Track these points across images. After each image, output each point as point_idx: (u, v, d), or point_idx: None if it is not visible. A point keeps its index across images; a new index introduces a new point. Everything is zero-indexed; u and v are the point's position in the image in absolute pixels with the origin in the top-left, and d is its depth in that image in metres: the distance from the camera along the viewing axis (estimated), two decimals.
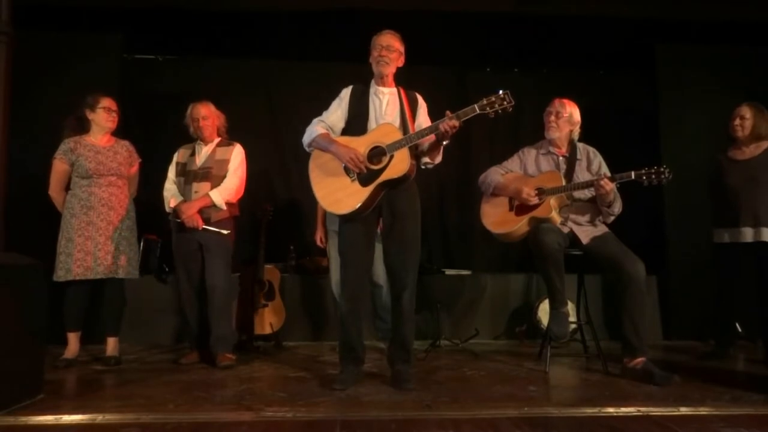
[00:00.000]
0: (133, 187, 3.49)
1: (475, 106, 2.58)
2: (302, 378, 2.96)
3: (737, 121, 3.45)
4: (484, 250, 4.85)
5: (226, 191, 3.34)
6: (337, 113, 2.87)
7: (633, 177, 2.94)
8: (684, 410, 2.28)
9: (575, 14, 4.41)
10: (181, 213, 3.26)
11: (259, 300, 3.87)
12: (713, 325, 3.71)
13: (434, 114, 2.87)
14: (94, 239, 3.21)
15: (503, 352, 3.76)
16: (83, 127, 3.35)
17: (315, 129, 2.85)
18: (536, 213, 3.13)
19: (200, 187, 3.32)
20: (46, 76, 4.09)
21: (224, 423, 2.13)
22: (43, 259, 2.65)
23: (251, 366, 3.27)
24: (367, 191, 2.68)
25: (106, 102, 3.34)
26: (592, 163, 3.25)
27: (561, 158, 3.27)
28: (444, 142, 2.71)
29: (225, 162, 3.39)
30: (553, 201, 3.12)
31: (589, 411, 2.28)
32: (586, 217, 3.18)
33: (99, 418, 2.18)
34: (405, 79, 2.94)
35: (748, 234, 3.36)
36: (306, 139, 2.87)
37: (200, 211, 3.28)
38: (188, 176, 3.37)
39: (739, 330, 3.80)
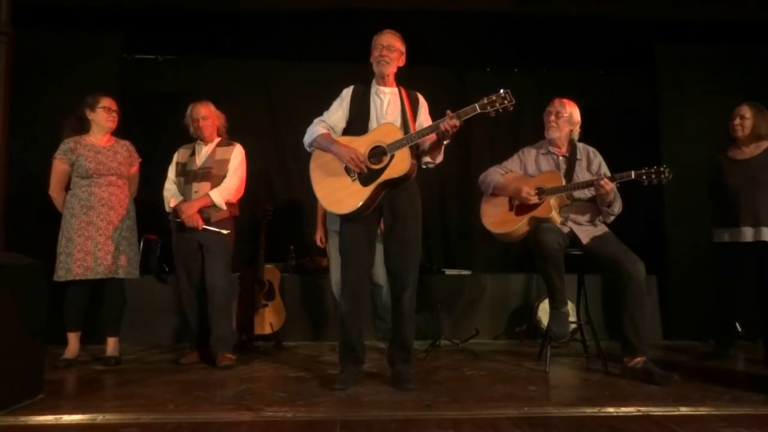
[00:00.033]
0: (134, 186, 3.49)
1: (476, 105, 2.58)
2: (302, 378, 2.96)
3: (737, 121, 3.46)
4: (484, 250, 4.85)
5: (226, 191, 3.34)
6: (338, 113, 2.87)
7: (633, 177, 2.94)
8: (684, 410, 2.28)
9: (575, 14, 4.41)
10: (181, 213, 3.26)
11: (259, 300, 3.88)
12: (713, 325, 3.71)
13: (435, 114, 2.87)
14: (94, 239, 3.21)
15: (503, 352, 3.76)
16: (83, 127, 3.35)
17: (316, 129, 2.85)
18: (536, 213, 3.13)
19: (200, 187, 3.32)
20: (46, 76, 4.09)
21: (224, 423, 2.13)
22: (43, 259, 2.65)
23: (251, 366, 3.27)
24: (367, 191, 2.68)
25: (106, 102, 3.34)
26: (592, 162, 3.25)
27: (561, 158, 3.27)
28: (445, 142, 2.70)
29: (225, 162, 3.39)
30: (553, 201, 3.12)
31: (589, 411, 2.28)
32: (586, 217, 3.18)
33: (99, 418, 2.18)
34: (405, 79, 2.94)
35: (748, 234, 3.36)
36: (307, 139, 2.87)
37: (200, 211, 3.28)
38: (188, 176, 3.37)
39: (739, 330, 3.80)
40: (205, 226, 3.28)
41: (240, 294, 3.88)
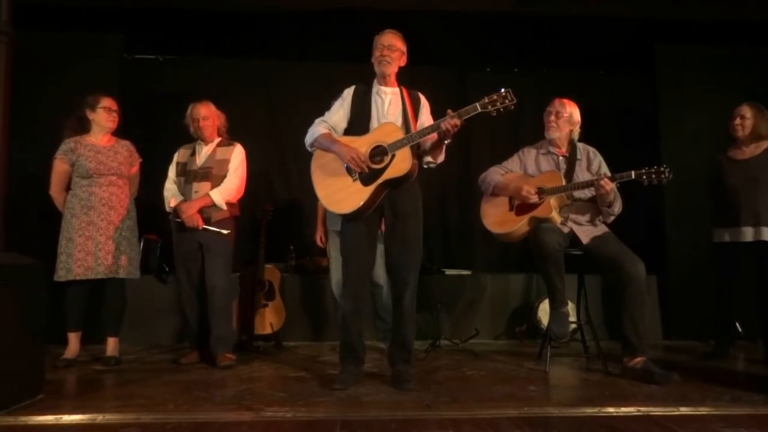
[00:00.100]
0: (134, 186, 3.49)
1: (477, 104, 2.57)
2: (302, 378, 2.96)
3: (737, 121, 3.46)
4: (484, 250, 4.85)
5: (227, 191, 3.34)
6: (339, 113, 2.87)
7: (633, 177, 2.94)
8: (684, 410, 2.28)
9: (575, 14, 4.41)
10: (182, 213, 3.26)
11: (259, 300, 3.88)
12: (713, 325, 3.71)
13: (435, 114, 2.87)
14: (94, 239, 3.21)
15: (503, 352, 3.76)
16: (84, 127, 3.35)
17: (317, 129, 2.85)
18: (536, 213, 3.13)
19: (200, 187, 3.32)
20: (46, 76, 4.09)
21: (224, 423, 2.13)
22: (43, 259, 2.65)
23: (251, 366, 3.27)
24: (368, 191, 2.68)
25: (107, 102, 3.34)
26: (592, 162, 3.25)
27: (561, 158, 3.27)
28: (446, 141, 2.70)
29: (225, 162, 3.39)
30: (553, 201, 3.12)
31: (589, 411, 2.28)
32: (586, 217, 3.18)
33: (99, 418, 2.18)
34: (405, 79, 2.94)
35: (748, 233, 3.36)
36: (308, 139, 2.87)
37: (200, 211, 3.28)
38: (188, 176, 3.37)
39: (739, 330, 3.80)
40: (205, 226, 3.28)
41: (240, 294, 3.87)
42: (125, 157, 3.38)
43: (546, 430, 2.06)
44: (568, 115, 3.27)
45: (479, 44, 4.71)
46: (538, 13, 4.40)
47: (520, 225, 3.16)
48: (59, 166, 3.27)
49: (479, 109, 2.57)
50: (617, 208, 3.11)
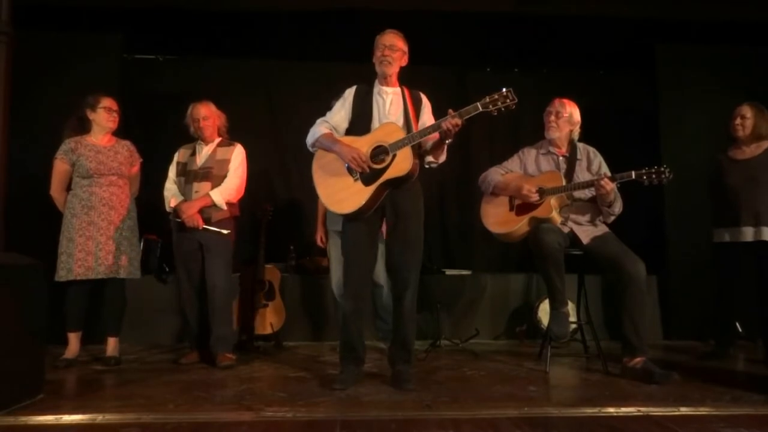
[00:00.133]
0: (135, 186, 3.49)
1: (478, 104, 2.57)
2: (302, 378, 2.96)
3: (738, 121, 3.46)
4: (484, 250, 4.85)
5: (227, 191, 3.34)
6: (340, 113, 2.87)
7: (633, 177, 2.94)
8: (684, 410, 2.28)
9: (575, 14, 4.41)
10: (182, 213, 3.26)
11: (260, 300, 3.88)
12: (713, 325, 3.71)
13: (436, 114, 2.87)
14: (95, 239, 3.21)
15: (503, 352, 3.76)
16: (84, 127, 3.35)
17: (318, 129, 2.85)
18: (536, 213, 3.13)
19: (201, 187, 3.32)
20: (46, 76, 4.09)
21: (224, 423, 2.13)
22: (43, 259, 2.64)
23: (251, 366, 3.27)
24: (369, 190, 2.68)
25: (107, 102, 3.34)
26: (592, 163, 3.25)
27: (561, 158, 3.27)
28: (447, 141, 2.70)
29: (226, 162, 3.39)
30: (553, 201, 3.12)
31: (589, 411, 2.28)
32: (587, 217, 3.18)
33: (99, 418, 2.18)
34: (405, 79, 2.94)
35: (748, 233, 3.36)
36: (309, 139, 2.87)
37: (201, 211, 3.28)
38: (189, 176, 3.37)
39: (739, 330, 3.80)
40: (205, 226, 3.28)
41: (240, 294, 3.88)
42: (126, 157, 3.38)
43: (546, 430, 2.06)
44: (568, 115, 3.27)
45: (479, 44, 4.71)
46: (538, 13, 4.40)
47: (520, 225, 3.16)
48: (60, 166, 3.27)
49: (480, 109, 2.57)
50: (617, 208, 3.11)
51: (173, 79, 4.71)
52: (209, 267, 3.29)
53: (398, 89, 2.87)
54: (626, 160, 3.16)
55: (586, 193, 3.15)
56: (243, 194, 3.46)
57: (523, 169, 3.34)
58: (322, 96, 3.82)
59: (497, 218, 3.29)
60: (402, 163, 2.65)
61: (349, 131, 2.85)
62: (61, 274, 3.16)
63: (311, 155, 2.92)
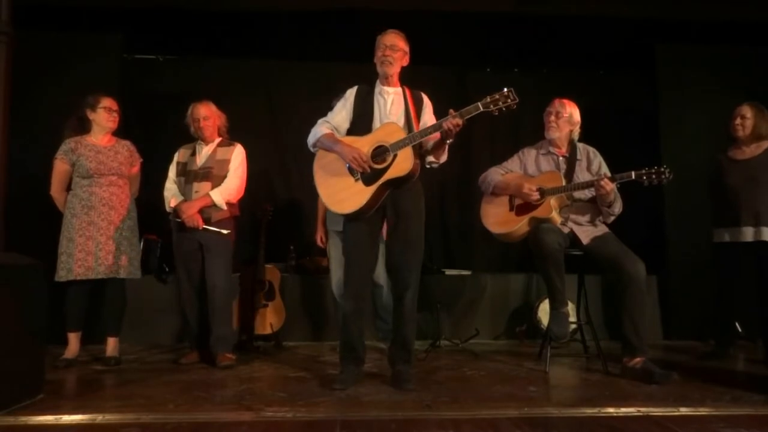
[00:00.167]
0: (135, 186, 3.49)
1: (479, 104, 2.57)
2: (302, 378, 2.96)
3: (738, 121, 3.46)
4: (484, 250, 4.85)
5: (227, 191, 3.34)
6: (341, 114, 2.87)
7: (633, 177, 2.94)
8: (684, 410, 2.28)
9: (575, 14, 4.41)
10: (182, 213, 3.26)
11: (260, 300, 3.87)
12: (713, 325, 3.71)
13: (437, 114, 2.87)
14: (95, 239, 3.21)
15: (503, 352, 3.76)
16: (84, 127, 3.35)
17: (319, 129, 2.85)
18: (536, 213, 3.13)
19: (201, 187, 3.32)
20: (46, 76, 4.09)
21: (224, 423, 2.13)
22: (43, 259, 2.64)
23: (251, 366, 3.27)
24: (370, 190, 2.68)
25: (107, 102, 3.34)
26: (592, 163, 3.25)
27: (561, 158, 3.27)
28: (448, 141, 2.70)
29: (226, 162, 3.39)
30: (553, 201, 3.12)
31: (589, 411, 2.28)
32: (587, 217, 3.18)
33: (99, 418, 2.18)
34: (405, 79, 2.94)
35: (748, 233, 3.36)
36: (311, 139, 2.87)
37: (201, 211, 3.28)
38: (189, 176, 3.37)
39: (739, 330, 3.80)
40: (205, 226, 3.28)
41: (240, 294, 3.88)
42: (126, 157, 3.38)
43: (546, 431, 2.06)
44: (568, 115, 3.27)
45: (479, 44, 4.71)
46: (538, 13, 4.40)
47: (520, 225, 3.16)
48: (60, 166, 3.27)
49: (481, 109, 2.56)
50: (617, 208, 3.11)
51: (173, 79, 4.71)
52: (209, 267, 3.29)
53: (399, 89, 2.87)
54: (626, 160, 3.16)
55: (586, 194, 3.15)
56: (243, 194, 3.46)
57: (523, 169, 3.34)
58: (322, 96, 3.82)
59: (497, 218, 3.29)
60: (403, 163, 2.65)
61: (351, 131, 2.85)
62: (61, 274, 3.16)
63: (311, 155, 2.92)
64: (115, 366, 3.23)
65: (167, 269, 4.01)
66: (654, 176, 2.89)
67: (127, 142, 3.46)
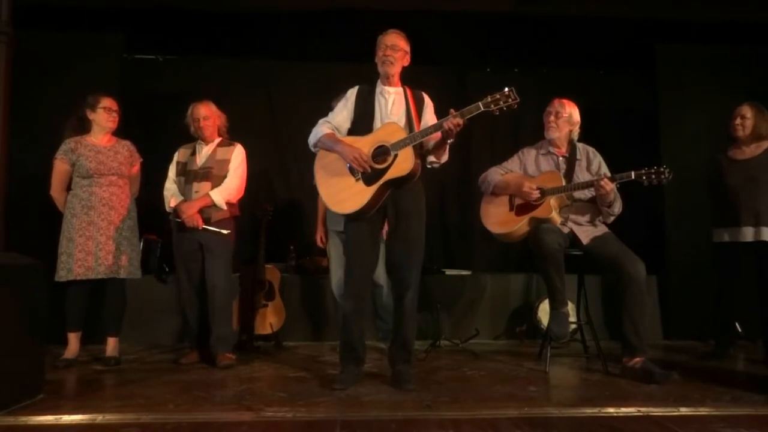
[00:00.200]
0: (135, 186, 3.49)
1: (480, 103, 2.57)
2: (302, 378, 2.96)
3: (738, 121, 3.46)
4: (484, 250, 4.85)
5: (227, 191, 3.34)
6: (342, 114, 2.87)
7: (633, 177, 2.94)
8: (684, 410, 2.28)
9: (575, 14, 4.41)
10: (182, 213, 3.26)
11: (260, 300, 3.87)
12: (713, 325, 3.71)
13: (438, 114, 2.87)
14: (95, 239, 3.21)
15: (503, 352, 3.76)
16: (84, 127, 3.35)
17: (320, 129, 2.85)
18: (536, 213, 3.13)
19: (201, 187, 3.32)
20: (46, 76, 4.09)
21: (224, 423, 2.14)
22: (43, 259, 2.64)
23: (251, 366, 3.27)
24: (371, 190, 2.68)
25: (107, 102, 3.34)
26: (592, 163, 3.25)
27: (561, 158, 3.27)
28: (449, 141, 2.70)
29: (226, 162, 3.39)
30: (553, 201, 3.12)
31: (589, 411, 2.28)
32: (587, 217, 3.18)
33: (99, 418, 2.18)
34: (405, 79, 2.94)
35: (748, 233, 3.36)
36: (312, 139, 2.87)
37: (200, 211, 3.28)
38: (189, 176, 3.37)
39: (739, 330, 3.80)
40: (205, 226, 3.28)
41: (240, 294, 3.88)
42: (126, 157, 3.38)
43: (546, 431, 2.06)
44: (568, 115, 3.27)
45: (479, 44, 4.71)
46: (538, 13, 4.40)
47: (520, 225, 3.16)
48: (60, 166, 3.27)
49: (482, 108, 2.56)
50: (617, 208, 3.11)
51: (173, 79, 4.71)
52: (209, 267, 3.29)
53: (400, 89, 2.87)
54: (626, 160, 3.16)
55: (586, 194, 3.15)
56: (243, 194, 3.46)
57: (523, 169, 3.34)
58: (322, 96, 3.83)
59: (497, 218, 3.29)
60: (403, 163, 2.65)
61: (352, 131, 2.85)
62: (61, 274, 3.16)
63: (311, 155, 2.92)
64: (115, 366, 3.23)
65: (167, 269, 4.01)
66: (654, 176, 2.89)
67: (127, 142, 3.46)
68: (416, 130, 2.72)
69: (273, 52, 4.76)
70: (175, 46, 4.71)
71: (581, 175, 3.20)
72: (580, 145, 3.31)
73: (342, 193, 2.74)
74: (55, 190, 3.29)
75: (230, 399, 2.49)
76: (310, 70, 4.83)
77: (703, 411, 2.28)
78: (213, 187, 3.31)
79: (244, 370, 3.16)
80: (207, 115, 3.40)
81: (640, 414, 2.24)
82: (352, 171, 2.73)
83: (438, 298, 4.10)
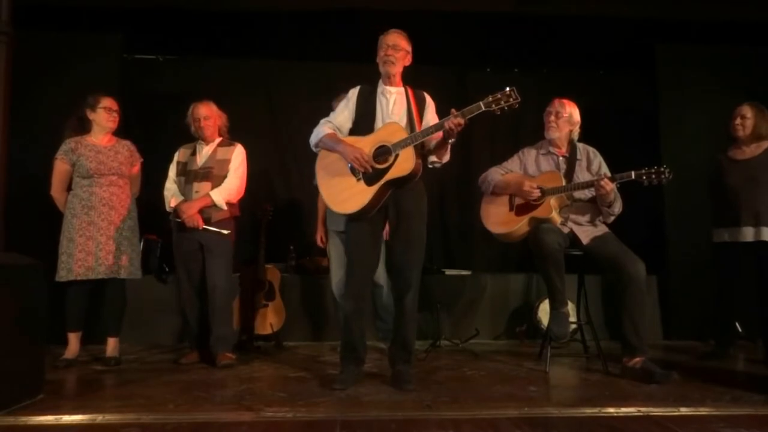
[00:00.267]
0: (136, 186, 3.49)
1: (481, 103, 2.57)
2: (302, 378, 2.96)
3: (738, 121, 3.46)
4: (484, 250, 4.85)
5: (227, 191, 3.34)
6: (344, 114, 2.87)
7: (633, 177, 2.94)
8: (684, 410, 2.28)
9: (575, 14, 4.41)
10: (182, 213, 3.26)
11: (260, 300, 3.87)
12: (713, 325, 3.71)
13: (439, 114, 2.87)
14: (95, 239, 3.21)
15: (503, 352, 3.76)
16: (84, 127, 3.35)
17: (322, 129, 2.85)
18: (536, 213, 3.13)
19: (201, 187, 3.32)
20: (46, 76, 4.09)
21: (224, 423, 2.14)
22: (43, 259, 2.64)
23: (251, 366, 3.27)
24: (372, 190, 2.68)
25: (107, 102, 3.34)
26: (592, 163, 3.25)
27: (561, 158, 3.27)
28: (450, 141, 2.70)
29: (226, 162, 3.39)
30: (553, 201, 3.12)
31: (589, 411, 2.28)
32: (587, 217, 3.18)
33: (99, 418, 2.18)
34: (405, 79, 2.94)
35: (748, 233, 3.36)
36: (313, 139, 2.87)
37: (201, 211, 3.28)
38: (189, 176, 3.37)
39: (739, 330, 3.80)
40: (205, 226, 3.28)
41: (240, 294, 3.88)
42: (126, 156, 3.38)
43: (546, 431, 2.06)
44: (568, 115, 3.27)
45: (479, 44, 4.71)
46: (538, 13, 4.40)
47: (520, 225, 3.16)
48: (60, 167, 3.27)
49: (483, 108, 2.56)
50: (617, 208, 3.11)
51: (173, 79, 4.71)
52: (209, 267, 3.29)
53: (402, 89, 2.87)
54: (626, 160, 3.16)
55: (586, 194, 3.15)
56: (243, 194, 3.46)
57: (523, 169, 3.34)
58: (322, 96, 3.82)
59: (497, 218, 3.29)
60: (404, 163, 2.65)
61: (353, 131, 2.85)
62: (62, 275, 3.16)
63: (311, 155, 2.92)
64: (115, 366, 3.23)
65: (167, 269, 4.01)
66: (654, 176, 2.89)
67: (128, 142, 3.46)
68: (417, 129, 2.72)
69: (273, 52, 4.76)
70: (175, 46, 4.71)
71: (581, 175, 3.20)
72: (580, 145, 3.31)
73: (343, 193, 2.74)
74: (56, 190, 3.29)
75: (230, 399, 2.49)
76: (310, 70, 4.83)
77: (703, 411, 2.28)
78: (213, 187, 3.31)
79: (244, 370, 3.16)
80: (207, 114, 3.40)
81: (640, 414, 2.24)
82: (353, 171, 2.73)
83: (438, 298, 4.10)
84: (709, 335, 3.92)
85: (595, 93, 4.65)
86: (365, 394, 2.56)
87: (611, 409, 2.29)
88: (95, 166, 3.25)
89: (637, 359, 2.88)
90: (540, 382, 2.87)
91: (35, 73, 4.01)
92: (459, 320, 4.28)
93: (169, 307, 4.01)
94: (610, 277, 3.64)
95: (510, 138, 4.79)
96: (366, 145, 2.72)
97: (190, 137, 3.50)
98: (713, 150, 3.68)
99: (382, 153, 2.69)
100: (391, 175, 2.66)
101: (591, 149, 3.31)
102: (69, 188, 3.30)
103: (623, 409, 2.28)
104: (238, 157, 3.42)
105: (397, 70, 2.83)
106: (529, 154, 3.37)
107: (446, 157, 2.84)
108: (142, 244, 3.67)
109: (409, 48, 2.86)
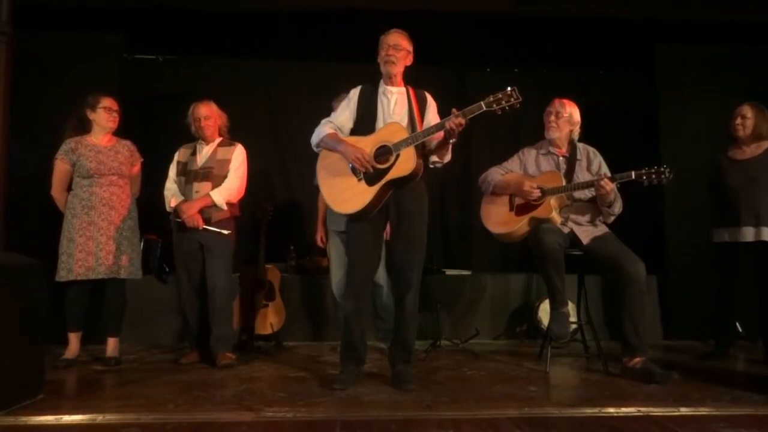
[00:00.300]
0: (136, 186, 3.49)
1: (482, 103, 2.57)
2: (302, 378, 2.96)
3: (738, 121, 3.46)
4: (484, 250, 4.85)
5: (227, 191, 3.33)
6: (345, 114, 2.87)
7: (633, 177, 2.94)
8: (684, 410, 2.28)
9: (575, 14, 4.41)
10: (182, 213, 3.26)
11: (260, 300, 3.87)
12: (713, 325, 3.71)
13: (440, 114, 2.87)
14: (95, 239, 3.21)
15: (503, 352, 3.76)
16: (84, 127, 3.35)
17: (323, 129, 2.85)
18: (536, 213, 3.13)
19: (201, 187, 3.32)
20: (46, 76, 4.09)
21: (224, 423, 2.14)
22: (43, 259, 2.64)
23: (251, 366, 3.27)
24: (373, 190, 2.67)
25: (107, 102, 3.34)
26: (592, 163, 3.25)
27: (561, 158, 3.28)
28: (451, 141, 2.70)
29: (226, 162, 3.39)
30: (553, 201, 3.12)
31: (589, 411, 2.28)
32: (587, 217, 3.18)
33: (99, 418, 2.18)
34: (406, 79, 2.94)
35: (749, 233, 3.36)
36: (314, 139, 2.87)
37: (201, 211, 3.28)
38: (189, 176, 3.37)
39: (739, 330, 3.81)
40: (205, 226, 3.28)
41: (240, 294, 3.88)
42: (126, 156, 3.38)
43: (546, 431, 2.06)
44: (568, 115, 3.27)
45: (479, 44, 4.71)
46: (538, 13, 4.40)
47: (520, 225, 3.16)
48: (60, 167, 3.27)
49: (484, 108, 2.56)
50: (617, 208, 3.11)
51: (173, 79, 4.71)
52: (209, 267, 3.29)
53: (403, 89, 2.87)
54: (626, 160, 3.16)
55: (586, 194, 3.15)
56: (243, 194, 3.46)
57: (523, 169, 3.34)
58: (322, 96, 3.82)
59: (497, 218, 3.29)
60: (405, 163, 2.64)
61: (354, 131, 2.85)
62: (62, 275, 3.16)
63: (311, 155, 2.92)
64: (115, 366, 3.23)
65: (167, 269, 4.01)
66: (654, 176, 2.89)
67: (128, 142, 3.46)
68: (419, 129, 2.72)
69: (273, 52, 4.76)
70: (175, 46, 4.71)
71: (581, 175, 3.20)
72: (580, 145, 3.31)
73: (344, 193, 2.74)
74: (56, 190, 3.29)
75: (230, 399, 2.49)
76: (310, 70, 4.83)
77: (703, 411, 2.28)
78: (213, 187, 3.31)
79: (244, 370, 3.16)
80: (208, 114, 3.40)
81: (640, 414, 2.24)
82: (354, 171, 2.73)
83: (438, 298, 4.10)
84: (709, 335, 3.92)
85: (595, 93, 4.65)
86: (365, 394, 2.56)
87: (611, 409, 2.29)
88: (95, 166, 3.25)
89: (637, 359, 2.88)
90: (540, 382, 2.87)
91: (35, 73, 4.01)
92: (459, 320, 4.28)
93: (169, 307, 4.01)
94: (610, 277, 3.64)
95: (510, 138, 4.79)
96: (367, 145, 2.72)
97: (190, 137, 3.50)
98: (713, 150, 3.68)
99: (383, 153, 2.69)
100: (392, 175, 2.66)
101: (591, 149, 3.31)
102: (69, 188, 3.30)
103: (623, 409, 2.28)
104: (238, 157, 3.42)
105: (398, 70, 2.82)
106: (529, 154, 3.37)
107: (447, 157, 2.84)
108: (142, 244, 3.67)
109: (410, 48, 2.86)
